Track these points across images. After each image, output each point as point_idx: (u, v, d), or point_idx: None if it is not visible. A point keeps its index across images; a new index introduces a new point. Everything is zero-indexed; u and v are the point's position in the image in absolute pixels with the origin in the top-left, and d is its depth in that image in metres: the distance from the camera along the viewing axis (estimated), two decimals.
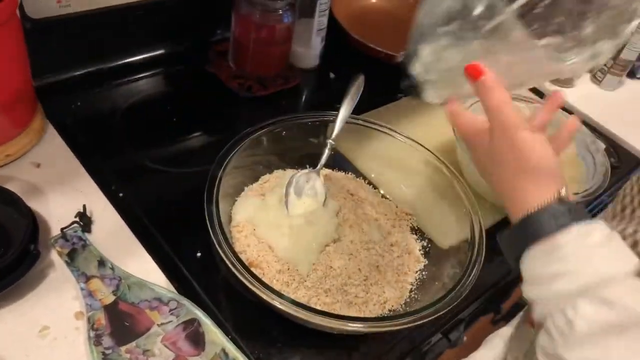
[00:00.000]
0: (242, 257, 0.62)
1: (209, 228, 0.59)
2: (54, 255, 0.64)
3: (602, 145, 0.86)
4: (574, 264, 0.43)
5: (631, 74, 1.24)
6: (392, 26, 1.19)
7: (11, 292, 0.58)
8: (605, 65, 1.18)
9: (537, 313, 0.47)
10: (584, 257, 0.43)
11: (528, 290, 0.48)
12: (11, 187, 0.65)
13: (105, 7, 0.82)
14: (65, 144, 0.77)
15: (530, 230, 0.46)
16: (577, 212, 0.46)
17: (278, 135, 0.74)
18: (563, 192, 0.47)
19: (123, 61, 0.91)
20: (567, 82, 1.17)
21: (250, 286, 0.55)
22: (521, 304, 0.81)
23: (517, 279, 0.76)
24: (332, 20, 1.04)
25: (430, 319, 0.58)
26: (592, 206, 0.97)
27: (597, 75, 1.20)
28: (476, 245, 0.66)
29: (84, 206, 0.68)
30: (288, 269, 0.64)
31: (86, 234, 0.66)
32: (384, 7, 1.22)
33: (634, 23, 0.52)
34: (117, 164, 0.78)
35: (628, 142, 1.07)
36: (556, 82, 1.17)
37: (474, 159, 0.56)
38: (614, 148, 1.05)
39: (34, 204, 0.66)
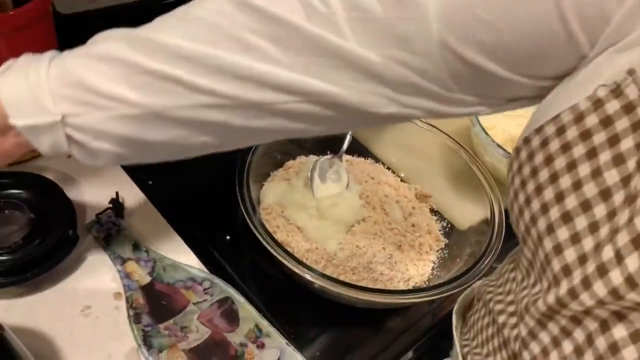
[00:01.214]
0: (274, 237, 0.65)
1: (243, 209, 0.62)
2: (90, 240, 0.66)
3: None
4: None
5: None
6: None
7: (53, 274, 0.61)
8: None
9: None
10: None
11: None
12: (47, 176, 0.68)
13: (132, 1, 0.84)
14: None
15: None
16: None
17: None
18: None
19: None
20: None
21: (283, 261, 0.58)
22: None
23: None
24: None
25: (451, 293, 0.61)
26: None
27: None
28: (496, 225, 0.69)
29: (117, 193, 0.71)
30: (316, 248, 0.66)
31: (120, 220, 0.69)
32: None
33: None
34: None
35: None
36: None
37: None
38: None
39: (69, 192, 0.69)
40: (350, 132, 0.77)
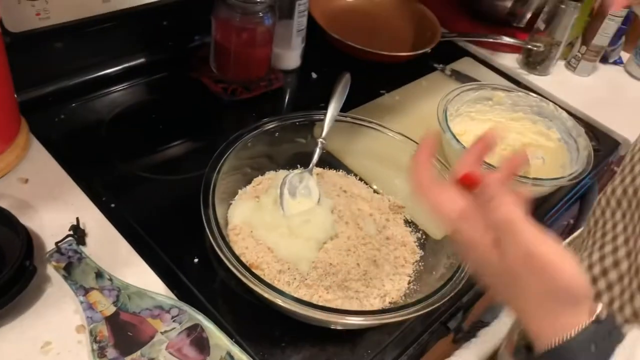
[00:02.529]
0: (242, 259, 0.62)
1: (207, 232, 0.59)
2: (50, 271, 0.63)
3: (582, 129, 0.88)
4: None
5: (604, 60, 1.27)
6: (369, 24, 1.20)
7: (10, 309, 0.58)
8: (578, 51, 1.20)
9: None
10: None
11: None
12: (1, 204, 0.64)
13: (85, 18, 0.81)
14: (52, 158, 0.76)
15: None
16: (616, 331, 0.39)
17: (267, 136, 0.74)
18: (599, 310, 0.39)
19: (105, 72, 0.91)
20: (542, 70, 1.19)
21: (252, 286, 0.55)
22: (482, 322, 0.83)
23: (477, 297, 0.79)
24: (311, 21, 1.04)
25: (429, 309, 0.59)
26: (577, 189, 0.99)
27: (572, 62, 1.23)
28: None
29: (77, 219, 0.67)
30: (288, 268, 0.64)
31: (81, 247, 0.66)
32: (360, 6, 1.23)
33: None
34: (106, 174, 0.77)
35: (606, 126, 1.09)
36: (533, 70, 1.19)
37: (479, 272, 0.45)
38: (593, 132, 1.07)
39: (26, 220, 0.66)
40: (320, 145, 0.75)
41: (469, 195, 0.45)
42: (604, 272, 0.49)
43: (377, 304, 0.65)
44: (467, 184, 0.44)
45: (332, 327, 0.63)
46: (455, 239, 0.45)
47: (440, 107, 0.84)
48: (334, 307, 0.62)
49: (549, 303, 0.39)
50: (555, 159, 0.89)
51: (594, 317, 0.38)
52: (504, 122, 0.93)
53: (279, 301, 0.55)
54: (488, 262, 0.42)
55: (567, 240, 0.68)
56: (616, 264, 0.49)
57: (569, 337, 0.38)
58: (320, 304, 0.62)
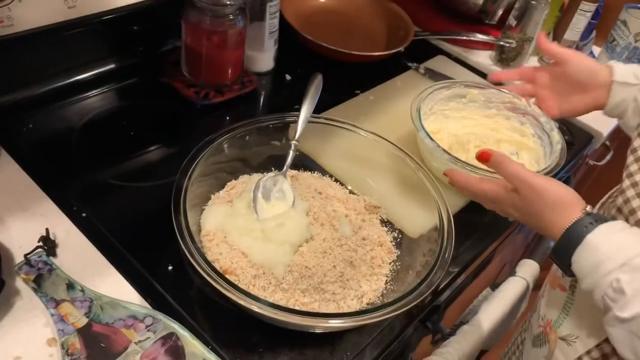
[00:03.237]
0: (216, 265, 0.62)
1: (179, 239, 0.58)
2: (19, 284, 0.62)
3: (555, 124, 0.88)
4: (608, 251, 0.53)
5: None
6: (342, 24, 1.20)
7: None
8: None
9: (595, 300, 0.55)
10: (615, 245, 0.53)
11: (583, 284, 0.56)
12: None
13: (51, 25, 0.80)
14: (20, 168, 0.74)
15: (571, 241, 0.56)
16: (600, 218, 0.57)
17: (240, 140, 0.74)
18: (588, 208, 0.58)
19: (74, 79, 0.89)
20: (515, 66, 1.20)
21: (226, 293, 0.55)
22: (462, 322, 0.84)
23: (454, 295, 0.79)
24: (283, 22, 1.04)
25: (406, 308, 0.59)
26: None
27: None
28: (445, 232, 0.68)
29: (47, 230, 0.66)
30: (263, 273, 0.63)
31: (52, 258, 0.64)
32: (332, 6, 1.22)
33: None
34: (77, 183, 0.76)
35: (579, 119, 1.10)
36: (506, 66, 1.20)
37: (512, 215, 0.66)
38: (567, 126, 1.08)
39: None
40: (293, 148, 0.74)
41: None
42: None
43: (354, 306, 0.65)
44: (483, 158, 0.66)
45: (310, 331, 0.62)
46: (492, 207, 0.67)
47: (413, 106, 0.84)
48: (311, 310, 0.62)
49: (552, 213, 0.59)
50: (529, 154, 0.89)
51: (584, 211, 0.57)
52: (477, 119, 0.93)
53: (255, 307, 0.55)
54: (513, 204, 0.63)
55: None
56: None
57: (569, 226, 0.57)
58: (297, 307, 0.62)
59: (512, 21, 1.15)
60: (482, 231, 0.84)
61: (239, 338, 0.63)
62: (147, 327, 0.60)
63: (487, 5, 1.20)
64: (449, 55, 1.22)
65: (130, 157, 0.82)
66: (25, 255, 0.63)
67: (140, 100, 0.92)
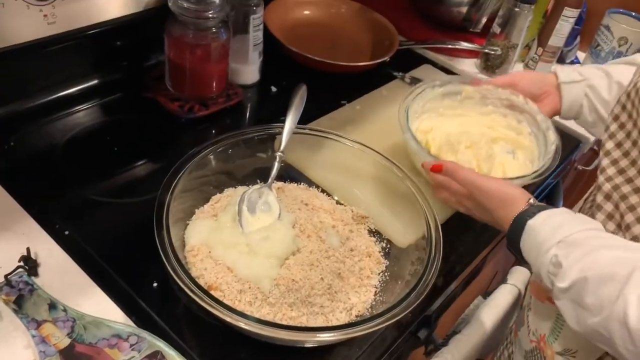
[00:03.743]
0: (200, 281, 0.61)
1: (162, 255, 0.57)
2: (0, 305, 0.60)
3: (550, 122, 0.84)
4: (547, 233, 0.58)
5: (561, 60, 1.29)
6: (327, 36, 1.20)
7: None
8: (535, 53, 1.22)
9: (543, 281, 0.58)
10: (552, 226, 0.58)
11: (532, 266, 0.61)
12: None
13: (32, 41, 0.79)
14: (1, 187, 0.73)
15: (517, 229, 0.62)
16: (543, 207, 0.62)
17: (224, 153, 0.73)
18: (532, 200, 0.64)
19: (56, 95, 0.88)
20: (501, 73, 1.20)
21: (211, 310, 0.54)
22: (455, 332, 0.83)
23: (445, 305, 0.79)
24: (267, 35, 1.03)
25: (396, 319, 0.58)
26: (542, 187, 1.00)
27: (529, 64, 1.24)
28: (433, 241, 0.67)
29: (28, 249, 0.65)
30: (249, 287, 0.62)
31: (33, 278, 0.63)
32: (316, 18, 1.22)
33: None
34: (60, 201, 0.75)
35: (566, 125, 1.10)
36: (492, 73, 1.20)
37: (469, 213, 0.73)
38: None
39: None
40: (278, 159, 0.74)
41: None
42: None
43: (343, 318, 0.64)
44: (436, 170, 0.72)
45: (298, 346, 0.61)
46: (454, 207, 0.74)
47: (401, 107, 0.82)
48: (299, 324, 0.61)
49: (502, 209, 0.65)
50: (524, 154, 0.86)
51: (528, 203, 0.63)
52: (473, 116, 0.90)
53: (241, 324, 0.54)
54: (472, 204, 0.70)
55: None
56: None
57: (515, 215, 0.62)
58: (285, 322, 0.61)
59: (496, 29, 1.16)
60: (472, 239, 0.83)
61: (226, 355, 0.62)
62: (131, 346, 0.58)
63: (471, 14, 1.20)
64: (434, 64, 1.22)
65: (114, 173, 0.81)
66: (6, 276, 0.62)
67: (124, 116, 0.91)
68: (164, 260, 0.57)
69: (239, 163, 0.76)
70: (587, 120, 0.83)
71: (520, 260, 0.63)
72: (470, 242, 0.83)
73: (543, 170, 0.78)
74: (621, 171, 0.60)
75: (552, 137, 0.82)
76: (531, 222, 0.60)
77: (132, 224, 0.73)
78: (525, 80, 0.86)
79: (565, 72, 0.83)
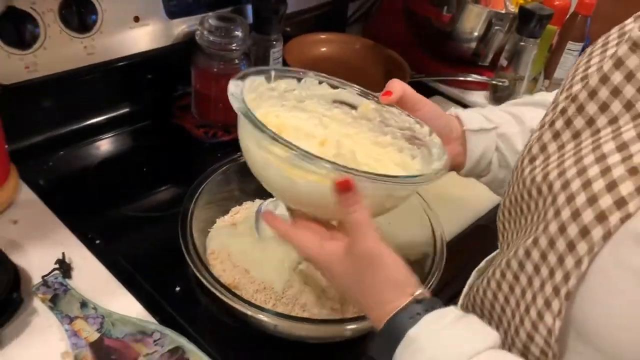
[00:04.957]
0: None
1: (186, 255, 0.63)
2: (37, 303, 0.66)
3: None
4: (431, 351, 0.44)
5: None
6: (342, 70, 1.26)
7: None
8: (542, 85, 1.27)
9: None
10: (437, 341, 0.44)
11: None
12: None
13: (71, 70, 0.87)
14: (40, 202, 0.80)
15: (392, 334, 0.46)
16: (431, 304, 0.47)
17: (242, 168, 0.78)
18: (418, 292, 0.48)
19: (90, 121, 0.96)
20: None
21: (233, 304, 0.58)
22: None
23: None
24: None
25: None
26: None
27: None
28: (437, 251, 0.70)
29: (63, 254, 0.71)
30: (264, 288, 0.67)
31: (67, 280, 0.69)
32: (332, 53, 1.30)
33: None
34: (93, 215, 0.81)
35: None
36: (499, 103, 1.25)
37: (332, 281, 0.57)
38: None
39: (14, 257, 0.68)
40: None
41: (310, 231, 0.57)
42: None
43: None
44: (345, 187, 0.51)
45: (311, 342, 0.65)
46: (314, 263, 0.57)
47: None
48: None
49: (380, 293, 0.49)
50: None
51: (411, 297, 0.47)
52: (366, 144, 0.69)
53: (261, 316, 0.58)
54: (333, 263, 0.53)
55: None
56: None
57: (391, 315, 0.47)
58: None
59: (503, 62, 1.22)
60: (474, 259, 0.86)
61: (243, 354, 0.66)
62: (155, 341, 0.63)
63: (479, 49, 1.27)
64: (446, 96, 1.28)
65: (142, 190, 0.88)
66: (43, 277, 0.67)
67: (152, 141, 0.99)
68: (188, 260, 0.62)
69: (255, 179, 0.81)
70: (496, 178, 0.69)
71: None
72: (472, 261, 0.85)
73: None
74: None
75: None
76: (413, 332, 0.45)
77: (158, 235, 0.79)
78: (429, 109, 0.67)
79: (469, 117, 0.67)
